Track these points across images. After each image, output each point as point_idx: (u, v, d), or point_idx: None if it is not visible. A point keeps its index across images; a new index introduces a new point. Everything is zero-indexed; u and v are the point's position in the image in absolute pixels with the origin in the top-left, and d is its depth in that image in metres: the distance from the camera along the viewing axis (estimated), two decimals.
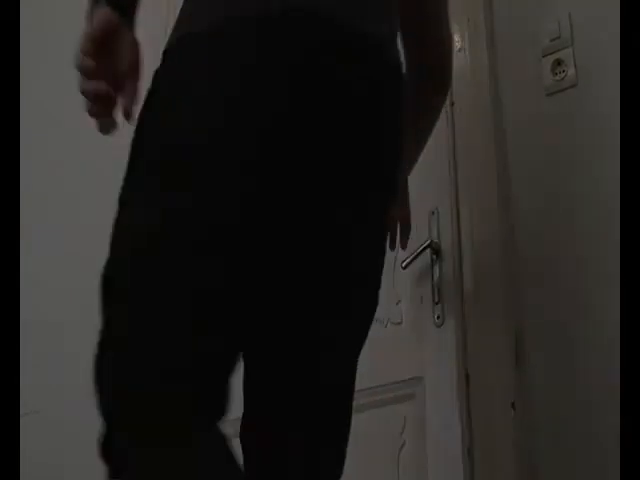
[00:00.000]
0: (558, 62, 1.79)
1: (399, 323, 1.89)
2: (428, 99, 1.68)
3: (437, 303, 1.80)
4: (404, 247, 1.81)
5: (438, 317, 1.79)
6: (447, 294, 1.80)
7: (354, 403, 1.87)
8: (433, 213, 1.86)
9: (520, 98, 1.84)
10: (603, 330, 1.56)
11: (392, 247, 1.82)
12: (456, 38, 1.97)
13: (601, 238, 1.61)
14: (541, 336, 1.65)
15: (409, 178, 1.81)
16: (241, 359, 1.18)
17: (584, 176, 1.70)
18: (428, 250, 1.83)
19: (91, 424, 1.32)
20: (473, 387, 1.70)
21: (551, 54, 1.81)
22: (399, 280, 1.85)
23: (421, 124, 1.71)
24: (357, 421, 1.87)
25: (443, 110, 1.90)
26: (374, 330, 1.90)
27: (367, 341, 1.90)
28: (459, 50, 1.95)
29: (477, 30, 1.93)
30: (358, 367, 1.89)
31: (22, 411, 1.34)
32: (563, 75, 1.78)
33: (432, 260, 1.83)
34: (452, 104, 1.92)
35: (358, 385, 1.87)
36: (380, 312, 1.90)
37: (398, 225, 1.80)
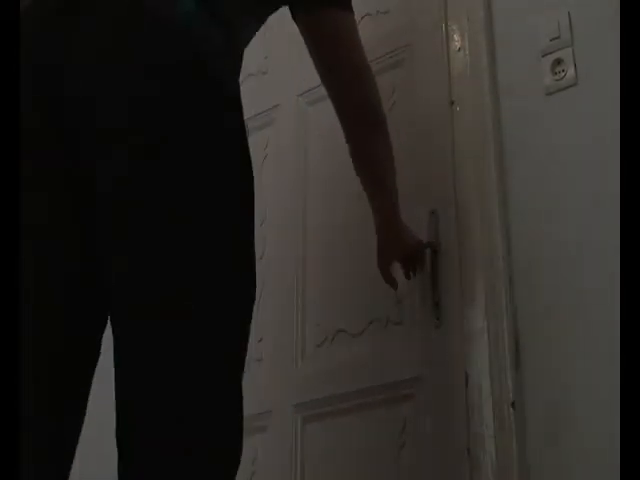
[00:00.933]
0: (558, 62, 1.79)
1: (399, 323, 1.88)
2: (361, 140, 1.68)
3: (437, 303, 1.80)
4: (414, 273, 1.84)
5: (438, 317, 1.79)
6: (447, 294, 1.79)
7: (355, 402, 1.88)
8: (433, 213, 1.86)
9: (520, 98, 1.84)
10: (603, 330, 1.56)
11: (407, 277, 1.84)
12: (455, 38, 1.97)
13: (601, 238, 1.61)
14: (541, 336, 1.65)
15: (408, 178, 1.81)
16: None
17: (584, 176, 1.69)
18: (428, 250, 1.83)
19: (91, 424, 1.32)
20: (472, 387, 1.69)
21: (551, 54, 1.80)
22: (399, 280, 1.85)
23: (370, 169, 1.72)
24: (357, 421, 1.87)
25: (443, 110, 1.91)
26: (375, 330, 1.91)
27: (368, 341, 1.91)
28: (458, 50, 1.95)
29: (476, 29, 1.92)
30: (358, 366, 1.90)
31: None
32: (563, 75, 1.78)
33: (432, 260, 1.83)
34: (452, 103, 1.91)
35: (359, 385, 1.88)
36: (380, 312, 1.91)
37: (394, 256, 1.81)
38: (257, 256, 1.31)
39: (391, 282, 1.81)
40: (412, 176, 1.83)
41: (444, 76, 1.95)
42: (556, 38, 1.80)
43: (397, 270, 1.84)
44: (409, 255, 1.82)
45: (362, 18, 2.04)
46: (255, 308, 1.28)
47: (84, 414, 1.27)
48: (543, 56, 1.82)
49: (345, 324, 1.97)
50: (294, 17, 1.59)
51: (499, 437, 1.63)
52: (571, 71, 1.77)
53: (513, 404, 1.62)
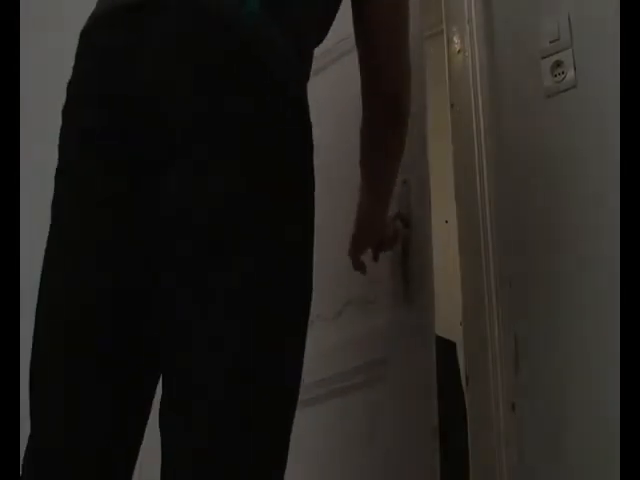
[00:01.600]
0: (557, 64, 1.79)
1: (372, 303, 1.78)
2: (377, 136, 1.58)
3: (407, 281, 1.71)
4: (376, 256, 1.75)
5: (408, 294, 1.70)
6: (418, 270, 1.71)
7: (330, 388, 1.82)
8: (404, 182, 1.75)
9: (519, 100, 1.84)
10: (603, 330, 1.55)
11: (375, 259, 1.75)
12: (455, 40, 1.97)
13: (601, 238, 1.61)
14: (541, 337, 1.65)
15: None
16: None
17: (584, 178, 1.70)
18: (398, 222, 1.74)
19: None
20: (473, 389, 1.69)
21: (550, 56, 1.80)
22: (366, 257, 1.76)
23: (373, 166, 1.62)
24: (331, 407, 1.82)
25: (443, 111, 1.91)
26: (350, 312, 1.84)
27: (344, 324, 1.84)
28: (458, 52, 1.95)
29: (476, 31, 1.92)
30: (334, 352, 1.84)
31: (22, 414, 1.33)
32: (562, 77, 1.78)
33: (403, 234, 1.74)
34: (452, 105, 1.92)
35: (329, 371, 1.82)
36: (349, 291, 1.85)
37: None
38: None
39: (360, 268, 1.74)
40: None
41: (444, 78, 1.95)
42: (556, 40, 1.80)
43: (367, 254, 1.76)
44: (381, 243, 1.73)
45: None
46: None
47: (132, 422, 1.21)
48: (543, 58, 1.81)
49: (321, 308, 1.90)
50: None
51: (499, 439, 1.62)
52: (571, 73, 1.77)
53: (513, 405, 1.62)
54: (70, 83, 1.24)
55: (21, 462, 1.13)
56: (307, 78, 1.32)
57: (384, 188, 1.67)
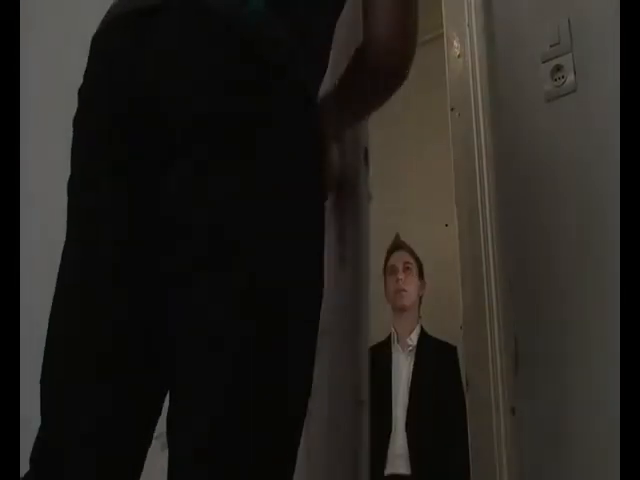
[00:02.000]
0: (557, 68, 1.79)
1: None
2: (369, 99, 1.45)
3: (342, 241, 1.59)
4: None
5: (341, 258, 1.59)
6: (350, 229, 1.59)
7: None
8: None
9: (519, 104, 1.84)
10: (603, 330, 1.56)
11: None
12: (455, 44, 1.97)
13: (601, 241, 1.61)
14: (541, 337, 1.65)
15: None
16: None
17: (584, 181, 1.70)
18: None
19: None
20: (472, 393, 1.69)
21: (550, 60, 1.81)
22: None
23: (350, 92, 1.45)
24: None
25: (443, 115, 1.91)
26: None
27: None
28: (458, 56, 1.95)
29: (476, 35, 1.93)
30: None
31: (22, 414, 1.33)
32: (562, 81, 1.78)
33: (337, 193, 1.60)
34: (452, 109, 1.92)
35: None
36: None
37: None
38: None
39: None
40: None
41: (444, 81, 1.95)
42: (556, 44, 1.81)
43: None
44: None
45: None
46: None
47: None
48: (543, 62, 1.82)
49: None
50: None
51: (499, 443, 1.62)
52: (571, 77, 1.77)
53: (513, 409, 1.62)
54: (81, 88, 1.25)
55: (20, 461, 1.13)
56: (320, 78, 1.30)
57: (344, 130, 1.57)
